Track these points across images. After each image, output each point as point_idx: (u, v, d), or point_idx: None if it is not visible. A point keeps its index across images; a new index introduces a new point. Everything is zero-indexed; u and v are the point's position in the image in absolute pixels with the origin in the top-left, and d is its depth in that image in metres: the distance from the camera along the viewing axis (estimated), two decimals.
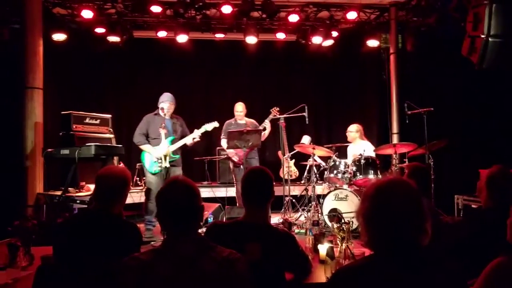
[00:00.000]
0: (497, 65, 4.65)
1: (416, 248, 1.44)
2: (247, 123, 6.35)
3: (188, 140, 5.39)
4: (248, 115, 6.74)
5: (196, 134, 5.43)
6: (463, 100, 6.88)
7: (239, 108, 6.42)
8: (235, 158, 6.17)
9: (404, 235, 1.44)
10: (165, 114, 5.33)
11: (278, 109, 6.22)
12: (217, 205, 5.66)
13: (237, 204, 6.03)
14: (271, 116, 6.23)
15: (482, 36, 4.57)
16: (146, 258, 1.65)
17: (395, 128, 7.73)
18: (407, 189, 1.50)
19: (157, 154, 5.25)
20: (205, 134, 7.85)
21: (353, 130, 6.30)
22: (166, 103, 5.36)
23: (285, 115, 6.07)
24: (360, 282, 1.41)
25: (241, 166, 6.02)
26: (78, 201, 5.11)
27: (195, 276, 1.60)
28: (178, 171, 5.40)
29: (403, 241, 1.44)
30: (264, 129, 6.30)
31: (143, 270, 1.61)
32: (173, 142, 5.32)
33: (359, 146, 6.10)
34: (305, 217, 5.78)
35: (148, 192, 5.32)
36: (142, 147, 5.36)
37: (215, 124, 5.58)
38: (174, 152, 5.32)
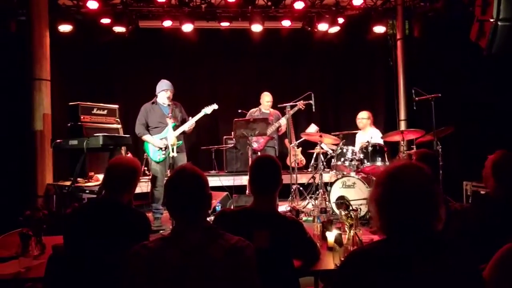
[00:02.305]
0: (507, 50, 4.58)
1: (429, 234, 1.43)
2: (271, 113, 6.43)
3: (186, 126, 5.42)
4: (254, 103, 6.75)
5: (194, 120, 5.47)
6: (471, 85, 6.81)
7: (268, 98, 6.52)
8: (255, 145, 6.18)
9: (417, 220, 1.42)
10: (170, 104, 5.35)
11: (304, 102, 6.07)
12: (224, 193, 5.68)
13: (247, 191, 6.05)
14: (295, 109, 6.14)
15: (491, 20, 4.49)
16: (155, 246, 1.66)
17: (402, 114, 7.69)
18: (420, 174, 1.47)
19: (159, 144, 5.28)
20: (212, 124, 7.96)
21: (365, 117, 6.28)
22: (171, 92, 5.41)
23: (291, 103, 6.05)
24: (372, 266, 1.40)
25: (259, 153, 6.05)
26: (87, 191, 5.17)
27: (204, 264, 1.62)
28: (182, 157, 5.44)
29: (416, 227, 1.42)
30: (281, 125, 6.32)
31: (152, 258, 1.62)
32: (175, 128, 5.35)
33: (368, 134, 6.08)
34: (312, 205, 5.79)
35: (153, 180, 5.37)
36: (143, 138, 5.40)
37: (215, 106, 5.60)
38: (177, 138, 5.35)
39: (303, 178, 6.74)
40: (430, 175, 1.48)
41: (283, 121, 6.27)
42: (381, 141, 5.83)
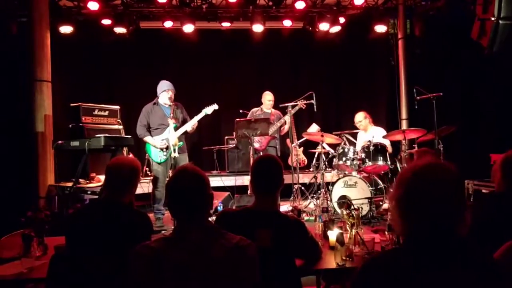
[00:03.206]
0: (508, 48, 4.58)
1: (452, 239, 1.31)
2: (272, 113, 6.45)
3: (188, 127, 5.42)
4: (255, 103, 6.75)
5: (195, 120, 5.47)
6: (473, 84, 6.81)
7: (270, 97, 6.53)
8: (257, 145, 6.19)
9: (441, 224, 1.31)
10: (171, 104, 5.36)
11: (305, 102, 6.04)
12: (226, 193, 5.68)
13: (249, 191, 6.05)
14: (297, 108, 6.12)
15: (492, 18, 4.50)
16: (157, 246, 1.67)
17: (404, 114, 7.69)
18: (448, 174, 1.35)
19: (161, 144, 5.29)
20: (213, 124, 7.97)
21: (362, 119, 6.26)
22: (172, 92, 5.41)
23: (293, 103, 6.05)
24: (391, 273, 1.31)
25: (261, 153, 6.06)
26: (89, 192, 5.18)
27: (206, 263, 1.62)
28: (184, 158, 5.44)
29: (439, 232, 1.31)
30: (285, 122, 6.32)
31: (154, 258, 1.62)
32: (176, 129, 5.35)
33: (371, 133, 6.07)
34: (314, 204, 5.79)
35: (155, 181, 5.37)
36: (144, 139, 5.40)
37: (215, 106, 5.60)
38: (179, 139, 5.35)
39: (305, 178, 6.74)
40: (458, 175, 1.36)
41: (287, 118, 6.26)
42: (383, 140, 5.81)
